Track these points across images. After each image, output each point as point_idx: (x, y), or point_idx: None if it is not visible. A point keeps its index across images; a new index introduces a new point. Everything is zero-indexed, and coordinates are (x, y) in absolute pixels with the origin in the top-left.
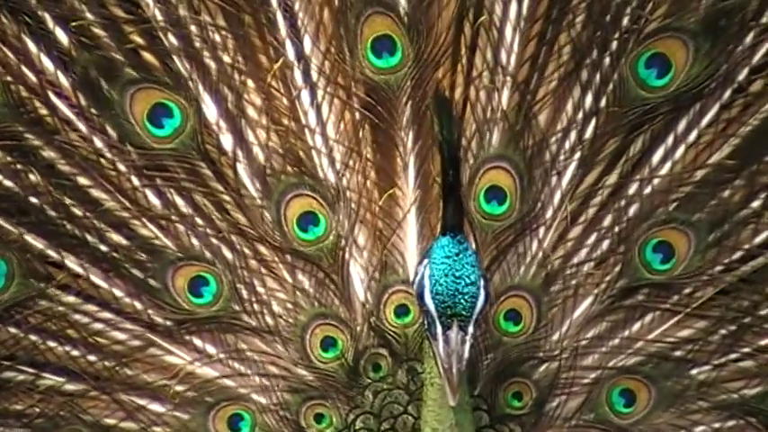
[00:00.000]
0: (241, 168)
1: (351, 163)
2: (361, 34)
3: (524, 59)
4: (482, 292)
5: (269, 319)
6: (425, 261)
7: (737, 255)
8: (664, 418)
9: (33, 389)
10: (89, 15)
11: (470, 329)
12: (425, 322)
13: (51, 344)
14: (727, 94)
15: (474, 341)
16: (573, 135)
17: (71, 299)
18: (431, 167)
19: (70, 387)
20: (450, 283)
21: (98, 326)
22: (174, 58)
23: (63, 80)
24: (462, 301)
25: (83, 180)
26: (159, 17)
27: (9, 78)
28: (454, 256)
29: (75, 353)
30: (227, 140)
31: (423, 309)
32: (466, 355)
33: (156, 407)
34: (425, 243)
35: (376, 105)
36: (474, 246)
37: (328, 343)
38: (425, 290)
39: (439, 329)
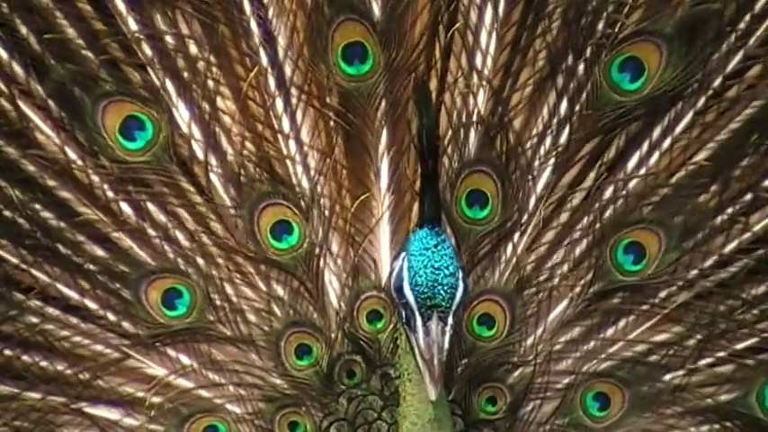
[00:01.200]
0: (215, 177)
1: (324, 170)
2: (332, 41)
3: (500, 64)
4: (461, 282)
5: (243, 328)
6: (402, 254)
7: (713, 260)
8: (638, 423)
9: (12, 401)
10: (66, 29)
11: (450, 320)
12: (403, 315)
13: (26, 359)
14: (702, 100)
15: (453, 333)
16: (548, 139)
17: (49, 310)
18: (404, 173)
19: (45, 402)
20: (429, 275)
21: (75, 339)
22: (148, 68)
23: (36, 89)
24: (442, 291)
25: (58, 192)
26: (134, 28)
27: None
28: (433, 248)
29: (50, 367)
30: (200, 149)
31: (401, 301)
32: (446, 345)
33: (131, 420)
34: (398, 249)
35: (348, 112)
36: (453, 240)
37: (303, 350)
38: (404, 282)
39: (419, 321)
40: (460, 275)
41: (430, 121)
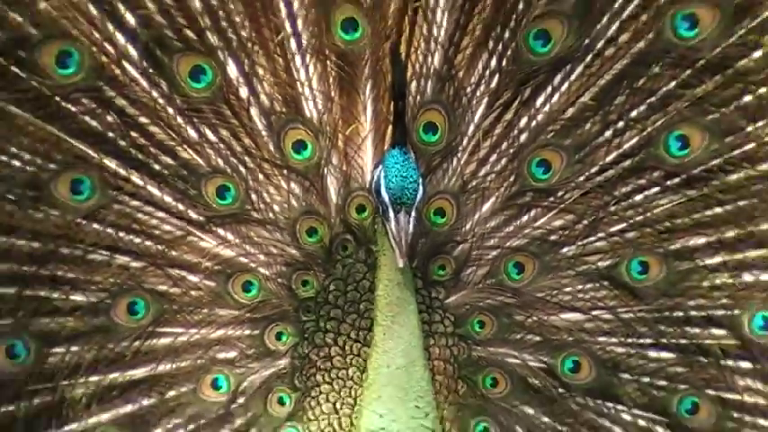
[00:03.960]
0: (253, 111)
1: (328, 106)
2: (334, 17)
3: (449, 33)
4: (421, 186)
5: (271, 215)
6: (380, 167)
7: (595, 169)
8: (544, 283)
9: (109, 265)
10: (150, 5)
11: (413, 213)
12: (380, 210)
13: (122, 234)
14: (589, 57)
15: (415, 221)
16: (482, 86)
17: (135, 203)
18: (382, 109)
19: (134, 264)
20: (399, 181)
21: (153, 221)
22: (208, 33)
23: (131, 50)
24: (408, 193)
25: (143, 119)
26: (198, 6)
27: (94, 49)
28: (401, 162)
29: (137, 240)
30: (244, 91)
31: (379, 200)
32: (411, 230)
33: (192, 277)
34: (377, 162)
35: (345, 66)
36: (414, 156)
37: (312, 231)
38: (381, 187)
39: (391, 214)
40: (421, 181)
41: (400, 76)
